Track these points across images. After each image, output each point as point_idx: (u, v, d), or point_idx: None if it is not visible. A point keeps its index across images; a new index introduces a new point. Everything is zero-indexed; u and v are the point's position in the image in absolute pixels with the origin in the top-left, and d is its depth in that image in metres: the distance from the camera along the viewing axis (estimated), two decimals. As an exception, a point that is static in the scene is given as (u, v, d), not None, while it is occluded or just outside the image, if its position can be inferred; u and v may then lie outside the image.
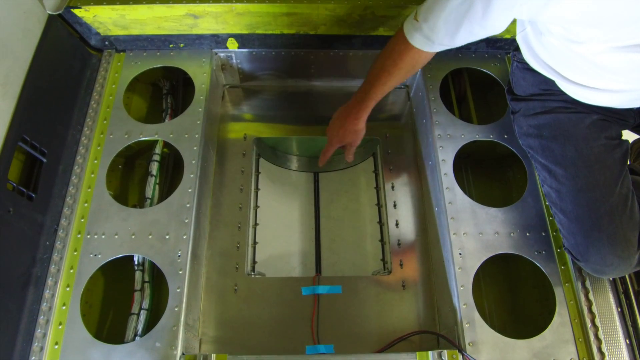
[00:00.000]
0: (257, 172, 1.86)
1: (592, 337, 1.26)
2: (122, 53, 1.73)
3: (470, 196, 1.47)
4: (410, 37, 1.28)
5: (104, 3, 1.52)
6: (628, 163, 1.32)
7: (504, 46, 1.72)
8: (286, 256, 1.74)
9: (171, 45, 1.72)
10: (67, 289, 1.31)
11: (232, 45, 1.73)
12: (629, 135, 1.39)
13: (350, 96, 1.79)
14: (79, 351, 1.23)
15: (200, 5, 1.53)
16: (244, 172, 1.75)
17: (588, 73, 1.19)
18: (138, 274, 1.42)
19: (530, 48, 1.31)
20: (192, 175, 1.47)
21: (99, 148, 1.52)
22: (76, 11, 1.53)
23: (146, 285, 1.42)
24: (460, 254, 1.37)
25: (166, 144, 1.58)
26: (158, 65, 1.71)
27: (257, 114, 1.90)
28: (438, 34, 1.22)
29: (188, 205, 1.42)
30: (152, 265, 1.44)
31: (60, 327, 1.26)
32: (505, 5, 1.08)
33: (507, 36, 1.67)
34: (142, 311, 1.37)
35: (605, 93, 1.22)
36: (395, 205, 1.70)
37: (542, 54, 1.27)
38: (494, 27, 1.15)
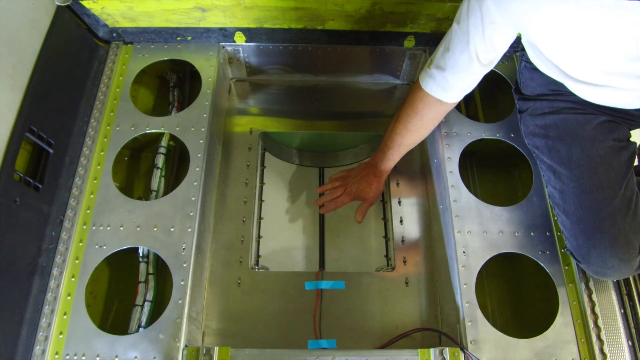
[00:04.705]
0: (263, 166, 1.86)
1: (594, 338, 1.26)
2: (129, 45, 1.73)
3: (476, 194, 1.46)
4: (424, 84, 1.32)
5: (113, -5, 1.52)
6: (636, 164, 1.31)
7: (512, 44, 1.71)
8: (290, 251, 1.74)
9: (179, 38, 1.72)
10: (72, 279, 1.32)
11: (240, 39, 1.73)
12: (638, 134, 1.38)
13: (356, 92, 1.78)
14: (83, 341, 1.24)
15: (208, -2, 1.53)
16: (249, 166, 1.75)
17: (593, 73, 1.19)
18: (143, 266, 1.43)
19: (535, 49, 1.30)
20: (197, 169, 1.47)
21: (105, 140, 1.53)
22: (84, 3, 1.53)
23: (150, 277, 1.43)
24: (464, 252, 1.37)
25: (172, 137, 1.58)
26: (165, 58, 1.71)
27: (264, 108, 1.90)
28: (450, 83, 1.27)
29: (193, 199, 1.42)
30: (157, 258, 1.44)
31: (65, 317, 1.27)
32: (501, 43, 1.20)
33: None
34: (146, 303, 1.38)
35: (613, 90, 1.21)
36: (399, 202, 1.70)
37: (547, 54, 1.26)
38: (497, 58, 1.25)
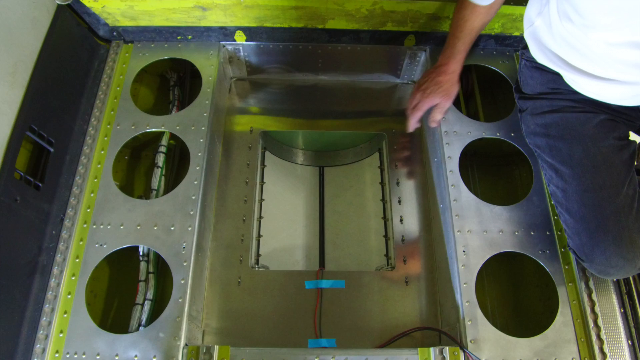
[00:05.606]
0: (263, 165, 1.86)
1: (594, 338, 1.26)
2: (130, 44, 1.73)
3: (476, 194, 1.46)
4: None
5: (113, -6, 1.52)
6: (635, 164, 1.31)
7: (512, 43, 1.71)
8: (290, 250, 1.74)
9: (179, 37, 1.72)
10: (73, 278, 1.32)
11: (240, 38, 1.73)
12: (634, 138, 1.38)
13: (356, 92, 1.77)
14: (83, 340, 1.24)
15: (208, -3, 1.53)
16: (249, 165, 1.75)
17: (600, 62, 1.19)
18: (143, 265, 1.43)
19: (538, 42, 1.30)
20: (197, 167, 1.47)
21: (105, 139, 1.53)
22: (85, 1, 1.53)
23: (151, 276, 1.43)
24: (464, 251, 1.37)
25: (173, 136, 1.58)
26: (166, 57, 1.71)
27: (264, 107, 1.90)
28: None
29: (193, 197, 1.43)
30: (157, 256, 1.45)
31: (65, 315, 1.28)
32: None
33: (516, 33, 1.66)
34: (146, 301, 1.38)
35: (615, 84, 1.21)
36: (400, 201, 1.70)
37: (551, 45, 1.26)
38: None
